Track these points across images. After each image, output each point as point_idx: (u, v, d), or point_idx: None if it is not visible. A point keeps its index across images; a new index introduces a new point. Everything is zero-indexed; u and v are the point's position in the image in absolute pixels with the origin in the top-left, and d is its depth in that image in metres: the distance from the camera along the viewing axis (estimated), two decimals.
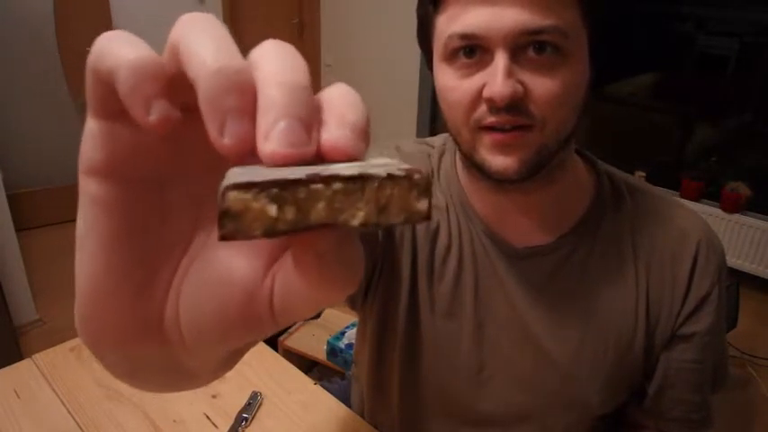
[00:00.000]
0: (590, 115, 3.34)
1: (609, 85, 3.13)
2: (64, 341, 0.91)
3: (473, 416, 0.68)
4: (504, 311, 0.64)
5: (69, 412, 0.78)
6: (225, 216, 0.16)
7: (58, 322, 2.21)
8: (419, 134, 3.29)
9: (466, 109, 0.52)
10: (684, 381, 0.64)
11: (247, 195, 0.16)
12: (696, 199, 2.59)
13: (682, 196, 2.61)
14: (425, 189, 0.17)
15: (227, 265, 0.21)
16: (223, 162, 0.18)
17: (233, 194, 0.16)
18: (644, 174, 2.67)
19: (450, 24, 0.51)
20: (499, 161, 0.53)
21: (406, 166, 0.17)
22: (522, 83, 0.50)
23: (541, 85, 0.50)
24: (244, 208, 0.16)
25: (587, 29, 0.52)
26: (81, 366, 0.86)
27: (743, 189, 2.46)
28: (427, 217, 0.17)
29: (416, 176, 0.17)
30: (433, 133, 0.73)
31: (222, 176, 0.18)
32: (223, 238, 0.16)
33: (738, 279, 2.21)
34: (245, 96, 0.18)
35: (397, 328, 0.67)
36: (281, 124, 0.17)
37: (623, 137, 3.05)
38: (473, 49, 0.51)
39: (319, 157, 0.18)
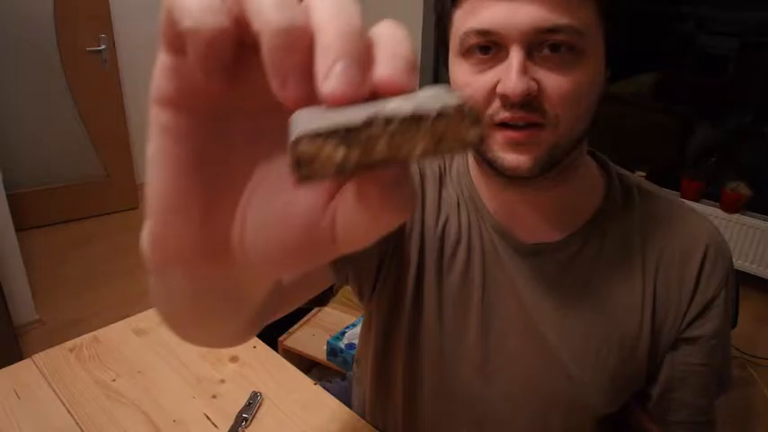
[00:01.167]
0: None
1: (609, 85, 3.12)
2: (64, 341, 0.91)
3: (476, 413, 0.68)
4: (512, 307, 0.64)
5: (69, 412, 0.78)
6: (298, 163, 0.18)
7: (58, 322, 2.21)
8: None
9: (480, 104, 0.53)
10: (689, 384, 0.63)
11: (317, 143, 0.18)
12: (696, 199, 2.58)
13: (682, 196, 2.61)
14: (476, 118, 0.19)
15: (288, 199, 0.23)
16: (281, 103, 0.20)
17: (304, 143, 0.18)
18: (644, 174, 2.67)
19: (466, 20, 0.52)
20: (512, 158, 0.53)
21: (457, 95, 0.19)
22: (536, 80, 0.50)
23: (555, 83, 0.50)
24: (314, 154, 0.18)
25: (604, 28, 0.51)
26: (81, 366, 0.86)
27: (743, 189, 2.46)
28: (480, 142, 0.19)
29: (467, 107, 0.18)
30: None
31: (282, 117, 0.20)
32: (299, 181, 0.18)
33: (738, 279, 2.21)
34: (306, 55, 0.19)
35: (403, 318, 0.68)
36: (339, 65, 0.18)
37: (623, 137, 3.04)
38: (488, 46, 0.51)
39: (374, 94, 0.20)
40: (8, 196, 2.00)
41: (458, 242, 0.65)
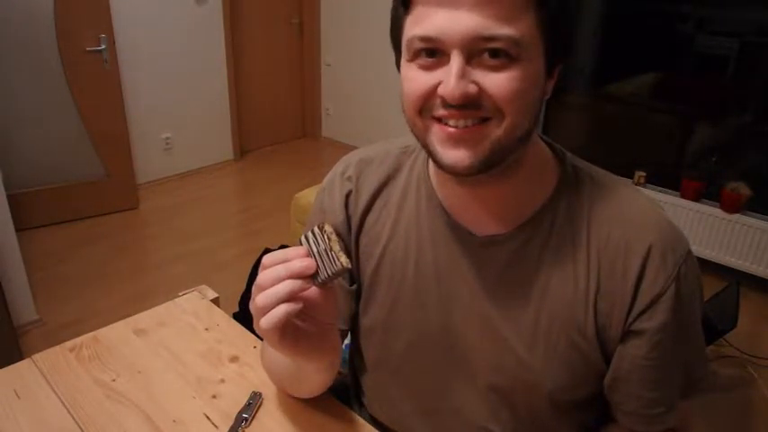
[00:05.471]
0: (590, 115, 3.34)
1: (609, 85, 3.12)
2: (64, 341, 0.91)
3: (447, 391, 0.72)
4: (467, 299, 0.68)
5: (69, 412, 0.78)
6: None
7: (58, 322, 2.21)
8: None
9: (421, 98, 0.56)
10: (637, 376, 0.64)
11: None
12: (696, 199, 2.58)
13: (682, 196, 2.61)
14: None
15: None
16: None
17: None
18: (644, 174, 2.67)
19: (413, 26, 0.55)
20: (450, 155, 0.56)
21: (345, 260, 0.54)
22: (476, 82, 0.53)
23: (494, 82, 0.53)
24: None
25: (543, 39, 0.54)
26: (81, 366, 0.86)
27: (743, 189, 2.46)
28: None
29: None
30: None
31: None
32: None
33: (738, 279, 2.21)
34: None
35: (366, 318, 0.75)
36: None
37: (623, 137, 3.04)
38: (433, 52, 0.54)
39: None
40: (8, 196, 2.00)
41: (408, 237, 0.70)
